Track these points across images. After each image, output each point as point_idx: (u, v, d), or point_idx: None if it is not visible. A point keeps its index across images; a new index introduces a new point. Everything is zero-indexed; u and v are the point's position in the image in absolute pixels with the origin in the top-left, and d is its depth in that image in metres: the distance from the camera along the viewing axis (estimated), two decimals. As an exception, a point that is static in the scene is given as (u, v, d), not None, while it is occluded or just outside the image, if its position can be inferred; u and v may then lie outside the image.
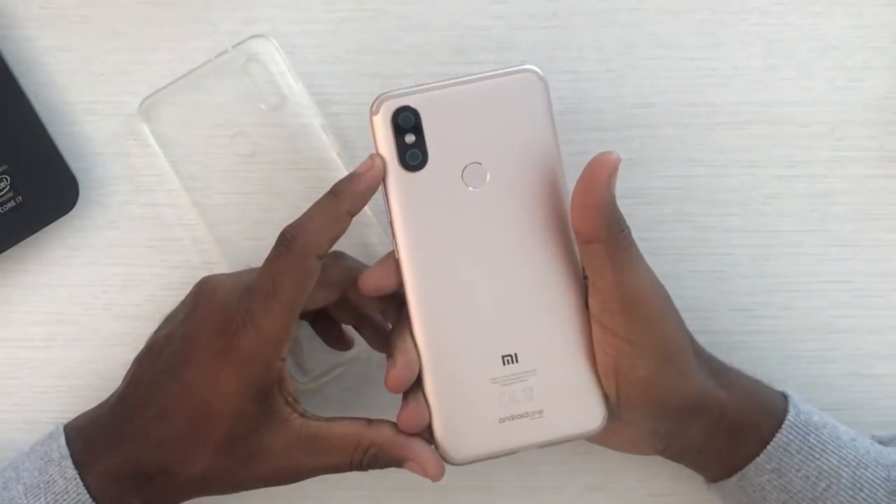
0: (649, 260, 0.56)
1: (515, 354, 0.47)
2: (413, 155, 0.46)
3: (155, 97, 0.54)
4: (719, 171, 0.56)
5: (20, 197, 0.54)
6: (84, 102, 0.56)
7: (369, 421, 0.47)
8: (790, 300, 0.56)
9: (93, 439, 0.48)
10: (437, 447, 0.47)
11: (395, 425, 0.47)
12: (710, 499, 0.54)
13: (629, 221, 0.56)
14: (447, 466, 0.47)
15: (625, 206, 0.56)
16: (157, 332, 0.50)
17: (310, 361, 0.55)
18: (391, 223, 0.47)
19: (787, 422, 0.49)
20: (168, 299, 0.55)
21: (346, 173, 0.49)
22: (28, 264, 0.56)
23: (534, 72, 0.47)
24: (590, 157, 0.55)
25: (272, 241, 0.47)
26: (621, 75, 0.57)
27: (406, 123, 0.46)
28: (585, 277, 0.47)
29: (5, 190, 0.54)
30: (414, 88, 0.47)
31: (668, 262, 0.56)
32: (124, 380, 0.50)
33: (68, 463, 0.47)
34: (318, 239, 0.46)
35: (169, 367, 0.47)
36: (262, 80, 0.55)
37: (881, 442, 0.52)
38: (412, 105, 0.46)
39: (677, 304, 0.53)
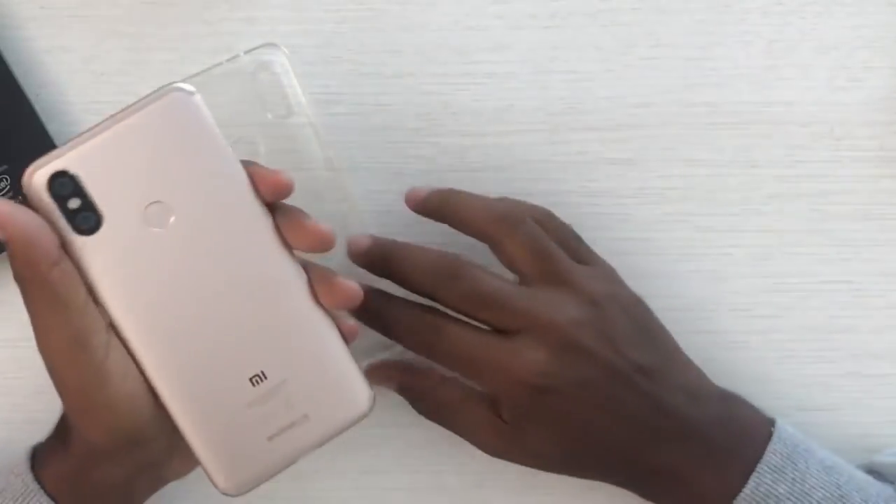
0: (650, 259, 0.56)
1: (262, 372, 0.45)
2: (84, 218, 0.43)
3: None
4: (719, 171, 0.56)
5: (20, 197, 0.54)
6: (84, 102, 0.56)
7: None
8: (790, 300, 0.56)
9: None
10: (216, 487, 0.45)
11: None
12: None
13: (629, 221, 0.57)
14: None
15: (625, 205, 0.56)
16: None
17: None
18: (93, 292, 0.44)
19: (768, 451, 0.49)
20: (168, 299, 0.55)
21: (341, 189, 0.49)
22: (28, 264, 0.56)
23: (180, 90, 0.44)
24: (590, 157, 0.56)
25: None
26: (621, 75, 0.57)
27: (65, 190, 0.43)
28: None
29: (5, 190, 0.54)
30: (64, 148, 0.43)
31: (668, 262, 0.56)
32: None
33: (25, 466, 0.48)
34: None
35: None
36: (271, 89, 0.55)
37: (879, 469, 0.52)
38: (66, 168, 0.43)
39: (678, 303, 0.53)
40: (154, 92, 0.44)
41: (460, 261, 0.50)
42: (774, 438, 0.49)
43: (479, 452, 0.51)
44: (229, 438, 0.45)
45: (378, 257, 0.51)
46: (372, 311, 0.51)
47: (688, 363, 0.51)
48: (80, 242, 0.43)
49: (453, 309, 0.50)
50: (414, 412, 0.52)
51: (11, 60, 0.55)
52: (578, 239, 0.53)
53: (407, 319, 0.50)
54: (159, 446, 0.46)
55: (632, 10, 0.57)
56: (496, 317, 0.49)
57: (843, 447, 0.55)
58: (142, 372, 0.45)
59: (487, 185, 0.55)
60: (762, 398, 0.53)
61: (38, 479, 0.47)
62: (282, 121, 0.55)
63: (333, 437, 0.46)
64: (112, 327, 0.44)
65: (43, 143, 0.54)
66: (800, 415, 0.55)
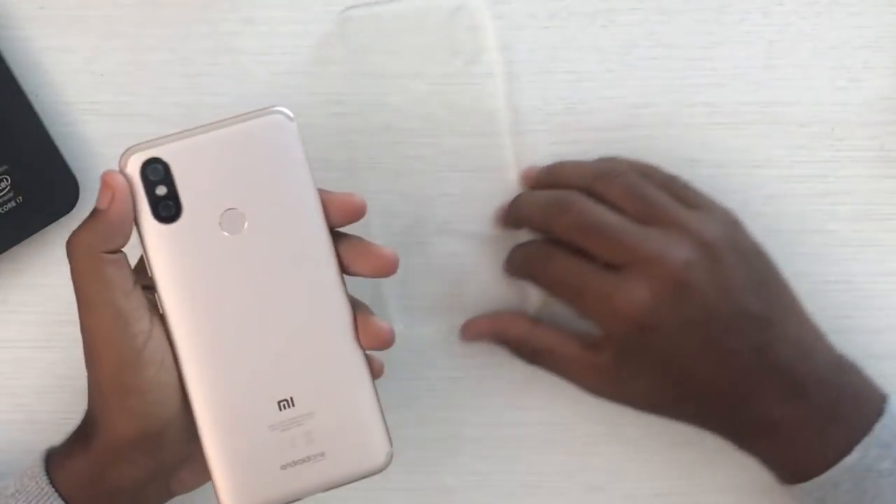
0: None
1: (291, 398, 0.46)
2: (166, 207, 0.45)
3: (360, 10, 0.55)
4: (719, 171, 0.56)
5: (20, 197, 0.54)
6: (84, 102, 0.56)
7: None
8: (790, 300, 0.56)
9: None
10: (219, 501, 0.46)
11: None
12: (713, 500, 0.54)
13: (629, 221, 0.56)
14: None
15: (625, 206, 0.56)
16: None
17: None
18: (152, 278, 0.46)
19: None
20: (168, 299, 0.55)
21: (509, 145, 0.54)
22: (28, 264, 0.56)
23: (281, 113, 0.46)
24: (590, 157, 0.55)
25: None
26: (621, 75, 0.57)
27: (156, 176, 0.45)
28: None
29: (5, 190, 0.54)
30: (162, 139, 0.46)
31: (669, 262, 0.56)
32: None
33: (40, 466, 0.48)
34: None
35: None
36: (464, 34, 0.55)
37: None
38: (161, 157, 0.45)
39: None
40: (259, 109, 0.46)
41: (572, 194, 0.51)
42: (886, 414, 0.48)
43: (478, 452, 0.51)
44: (244, 456, 0.46)
45: (509, 205, 0.54)
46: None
47: (806, 320, 0.51)
48: (156, 229, 0.45)
49: (565, 239, 0.51)
50: (415, 413, 0.52)
51: (11, 60, 0.55)
52: (687, 186, 0.53)
53: (521, 248, 0.53)
54: (174, 452, 0.47)
55: (632, 10, 0.57)
56: (604, 247, 0.49)
57: (843, 447, 0.55)
58: (178, 367, 0.45)
59: (487, 184, 0.55)
60: (762, 398, 0.53)
61: (53, 481, 0.47)
62: (467, 68, 0.55)
63: (343, 484, 0.46)
64: (161, 317, 0.46)
65: (43, 143, 0.54)
66: (800, 415, 0.55)
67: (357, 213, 0.47)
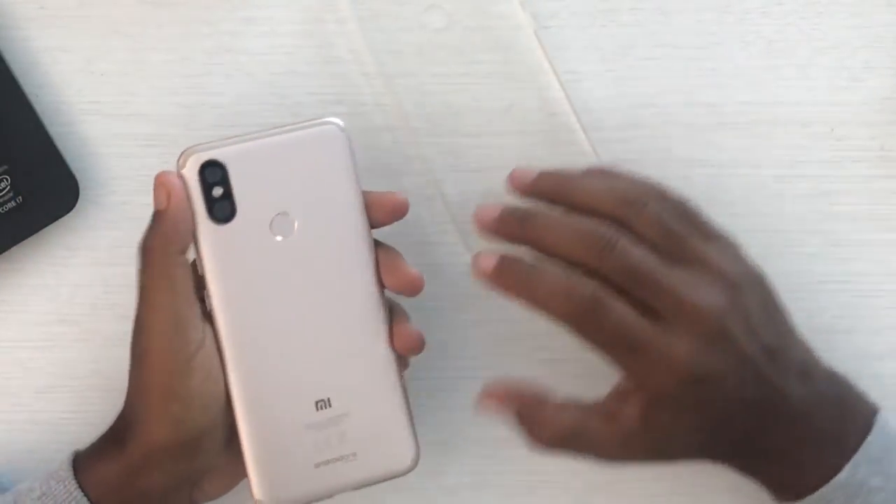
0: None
1: (329, 399, 0.48)
2: (221, 208, 0.47)
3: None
4: (719, 171, 0.56)
5: (20, 197, 0.54)
6: (84, 102, 0.56)
7: None
8: (790, 300, 0.56)
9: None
10: (253, 495, 0.47)
11: None
12: (713, 500, 0.54)
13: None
14: None
15: (625, 206, 0.56)
16: None
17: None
18: (203, 275, 0.47)
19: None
20: (168, 299, 0.55)
21: (541, 52, 0.53)
22: (28, 264, 0.56)
23: (335, 124, 0.48)
24: (590, 157, 0.55)
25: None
26: (621, 75, 0.57)
27: (213, 177, 0.47)
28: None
29: (5, 190, 0.54)
30: (220, 142, 0.48)
31: (669, 262, 0.56)
32: None
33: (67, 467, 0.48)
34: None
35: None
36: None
37: None
38: (219, 159, 0.47)
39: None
40: (313, 119, 0.48)
41: (610, 229, 0.48)
42: (875, 429, 0.48)
43: (479, 452, 0.51)
44: (280, 453, 0.47)
45: (516, 221, 0.49)
46: (517, 279, 0.48)
47: (799, 340, 0.50)
48: (210, 228, 0.47)
49: (603, 278, 0.48)
50: (415, 413, 0.52)
51: (11, 60, 0.55)
52: (699, 213, 0.51)
53: (560, 287, 0.48)
54: (206, 462, 0.47)
55: (632, 10, 0.57)
56: (648, 294, 0.47)
57: (843, 447, 0.55)
58: (222, 361, 0.47)
59: (487, 185, 0.55)
60: (762, 398, 0.53)
61: (81, 485, 0.47)
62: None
63: (372, 483, 0.48)
64: (207, 315, 0.47)
65: (43, 143, 0.54)
66: (800, 415, 0.55)
67: (400, 211, 0.49)
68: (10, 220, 0.54)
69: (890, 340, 0.56)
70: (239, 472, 0.48)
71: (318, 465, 0.47)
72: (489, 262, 0.48)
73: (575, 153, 0.56)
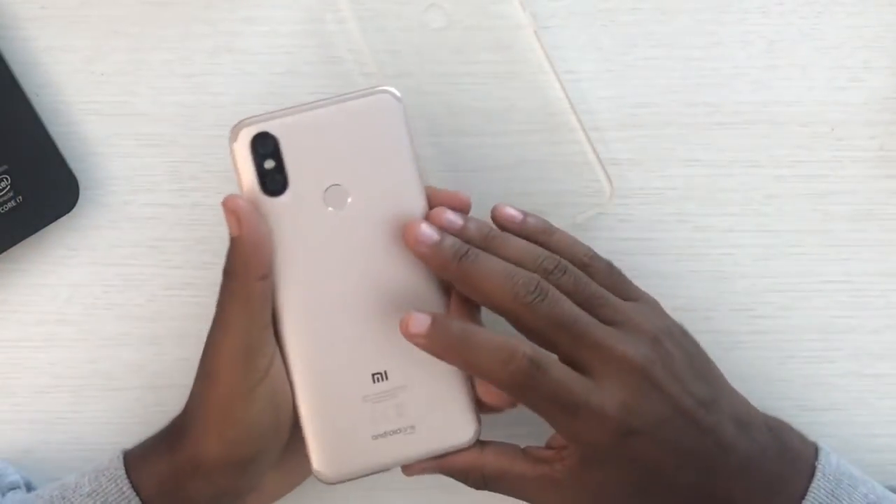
0: (650, 259, 0.56)
1: (385, 372, 0.47)
2: (273, 180, 0.47)
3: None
4: (719, 171, 0.56)
5: (20, 197, 0.54)
6: (84, 102, 0.56)
7: None
8: (790, 300, 0.56)
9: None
10: (311, 467, 0.47)
11: None
12: None
13: (629, 221, 0.56)
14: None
15: (625, 205, 0.56)
16: None
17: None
18: None
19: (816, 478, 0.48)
20: (169, 300, 0.55)
21: (541, 52, 0.53)
22: (28, 264, 0.56)
23: (389, 92, 0.48)
24: (590, 157, 0.55)
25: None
26: (621, 75, 0.57)
27: (265, 149, 0.47)
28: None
29: (5, 190, 0.54)
30: (271, 114, 0.47)
31: (668, 262, 0.56)
32: None
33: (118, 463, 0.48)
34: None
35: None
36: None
37: None
38: (270, 131, 0.47)
39: (678, 303, 0.53)
40: (366, 88, 0.48)
41: (542, 280, 0.47)
42: (818, 474, 0.48)
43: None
44: (338, 426, 0.47)
45: (451, 256, 0.48)
46: (450, 343, 0.47)
47: (732, 390, 0.50)
48: (262, 201, 0.47)
49: (532, 331, 0.47)
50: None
51: (11, 60, 0.55)
52: (621, 275, 0.51)
53: (500, 353, 0.46)
54: (255, 479, 0.48)
55: (632, 10, 0.57)
56: (573, 345, 0.47)
57: (844, 447, 0.55)
58: (279, 334, 0.47)
59: (487, 185, 0.55)
60: (763, 398, 0.53)
61: (132, 484, 0.47)
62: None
63: (432, 456, 0.48)
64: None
65: (43, 143, 0.54)
66: (800, 415, 0.55)
67: (463, 209, 0.48)
68: (10, 220, 0.54)
69: (890, 340, 0.56)
70: (285, 489, 0.49)
71: (375, 438, 0.47)
72: (421, 325, 0.46)
73: (575, 153, 0.56)
